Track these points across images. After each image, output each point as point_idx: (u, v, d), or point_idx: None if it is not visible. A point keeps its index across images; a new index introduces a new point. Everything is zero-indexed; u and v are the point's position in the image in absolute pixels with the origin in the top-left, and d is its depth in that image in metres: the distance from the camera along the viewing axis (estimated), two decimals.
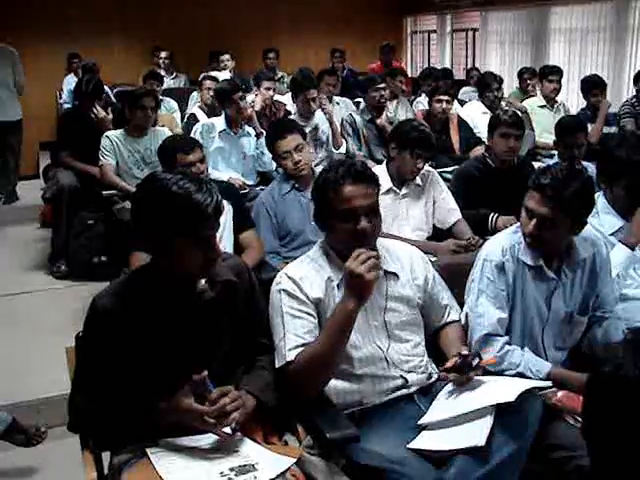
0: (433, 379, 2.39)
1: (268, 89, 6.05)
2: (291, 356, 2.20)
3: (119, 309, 2.05)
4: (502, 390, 2.12)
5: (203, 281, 2.11)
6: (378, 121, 5.50)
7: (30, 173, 8.80)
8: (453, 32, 11.01)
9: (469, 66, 9.91)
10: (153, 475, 1.92)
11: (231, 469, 1.92)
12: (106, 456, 2.17)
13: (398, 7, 11.50)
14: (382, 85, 5.60)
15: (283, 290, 2.30)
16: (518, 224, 2.55)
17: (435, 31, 11.31)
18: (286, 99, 6.48)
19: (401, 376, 2.32)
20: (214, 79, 6.64)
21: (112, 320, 2.04)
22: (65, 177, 5.35)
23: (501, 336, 2.45)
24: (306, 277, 2.32)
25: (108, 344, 2.03)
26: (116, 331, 2.03)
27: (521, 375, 2.35)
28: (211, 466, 1.95)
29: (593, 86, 6.18)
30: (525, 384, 2.13)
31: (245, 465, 1.94)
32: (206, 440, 2.06)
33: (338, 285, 2.30)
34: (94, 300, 2.09)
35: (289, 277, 2.33)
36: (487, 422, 2.03)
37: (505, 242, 2.52)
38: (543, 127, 6.11)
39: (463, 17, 10.80)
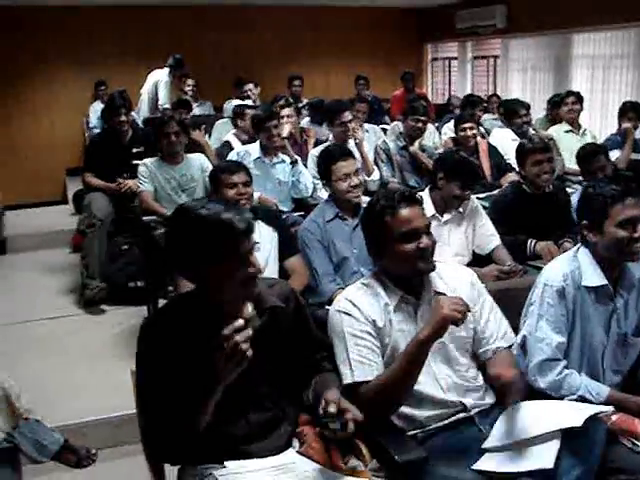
0: (491, 401, 2.42)
1: (289, 116, 6.13)
2: (358, 377, 2.26)
3: (168, 331, 2.09)
4: (567, 414, 2.14)
5: (250, 308, 2.14)
6: (411, 148, 5.56)
7: (58, 199, 8.95)
8: (474, 59, 11.10)
9: (490, 92, 9.98)
10: None
11: None
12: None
13: (419, 34, 11.63)
14: (423, 117, 5.65)
15: (344, 312, 2.36)
16: (575, 249, 2.62)
17: (456, 58, 11.41)
18: (306, 125, 6.58)
19: (460, 402, 2.36)
20: (254, 108, 6.69)
21: (162, 341, 2.07)
22: (99, 208, 5.38)
23: (560, 360, 2.49)
24: (364, 301, 2.38)
25: (161, 364, 2.06)
26: (166, 351, 2.06)
27: (582, 399, 2.39)
28: None
29: (632, 109, 6.21)
30: (590, 409, 2.16)
31: None
32: (272, 463, 2.09)
33: (394, 310, 2.37)
34: (143, 326, 2.15)
35: (348, 300, 2.39)
36: (555, 445, 2.06)
37: (565, 267, 2.57)
38: (571, 152, 6.12)
39: (484, 44, 10.90)
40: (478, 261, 3.91)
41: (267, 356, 2.15)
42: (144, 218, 4.95)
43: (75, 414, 3.70)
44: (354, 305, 2.37)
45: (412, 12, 11.45)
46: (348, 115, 5.36)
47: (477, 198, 4.64)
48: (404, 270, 2.38)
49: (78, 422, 3.65)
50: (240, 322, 1.90)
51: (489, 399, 2.43)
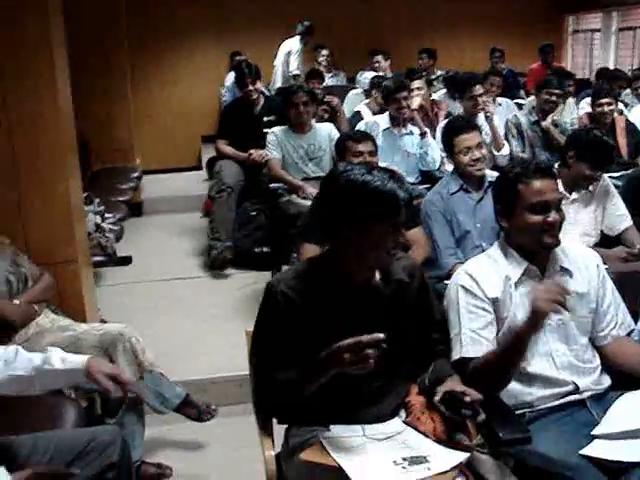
0: (605, 385, 2.35)
1: (419, 89, 6.06)
2: (468, 352, 2.27)
3: (294, 294, 2.13)
4: None
5: (378, 278, 2.17)
6: (543, 123, 5.38)
7: (193, 165, 9.27)
8: (619, 31, 10.54)
9: (635, 66, 9.46)
10: (327, 457, 2.00)
11: (404, 459, 1.97)
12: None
13: (559, 5, 11.13)
14: (557, 90, 5.46)
15: (461, 286, 2.36)
16: None
17: (599, 30, 10.88)
18: (439, 98, 6.48)
19: (573, 382, 2.30)
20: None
21: (287, 302, 2.12)
22: (229, 175, 5.54)
23: None
24: (484, 275, 2.37)
25: (282, 325, 2.12)
26: (290, 314, 2.11)
27: None
28: (383, 454, 2.00)
29: None
30: None
31: (417, 457, 1.98)
32: (376, 429, 2.13)
33: (515, 284, 2.35)
34: (271, 284, 2.18)
35: (467, 274, 2.39)
36: None
37: None
38: None
39: (630, 14, 10.29)
40: (606, 243, 3.77)
41: (388, 327, 2.17)
42: (271, 185, 5.07)
43: (197, 371, 3.87)
44: (473, 279, 2.36)
45: None
46: (479, 88, 5.25)
47: (611, 177, 4.47)
48: (528, 242, 2.37)
49: (199, 378, 3.80)
50: (381, 336, 1.92)
51: (605, 384, 2.36)
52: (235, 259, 5.54)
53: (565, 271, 2.40)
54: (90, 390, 3.09)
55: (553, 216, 2.32)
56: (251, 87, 5.59)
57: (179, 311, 4.76)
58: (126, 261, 5.67)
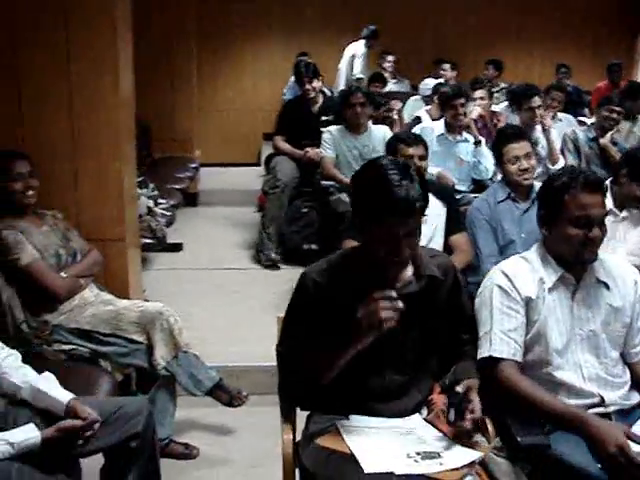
0: (634, 402, 2.32)
1: (482, 99, 6.04)
2: (495, 352, 2.27)
3: (326, 283, 2.16)
4: None
5: (410, 272, 2.18)
6: (601, 140, 5.30)
7: (252, 161, 9.39)
8: None
9: None
10: (342, 444, 2.03)
11: (417, 453, 1.99)
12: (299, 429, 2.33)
13: (632, 24, 10.92)
14: (617, 108, 5.38)
15: (496, 285, 2.36)
16: None
17: None
18: (500, 110, 6.45)
19: (599, 394, 2.28)
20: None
21: (318, 291, 2.15)
22: (284, 171, 5.59)
23: None
24: (520, 275, 2.36)
25: (312, 312, 2.16)
26: (320, 302, 2.14)
27: None
28: (397, 446, 2.03)
29: None
30: None
31: (431, 452, 2.00)
32: (395, 423, 2.15)
33: (550, 289, 2.34)
34: (305, 272, 2.22)
35: (504, 273, 2.38)
36: None
37: None
38: None
39: None
40: None
41: (417, 323, 2.19)
42: (322, 183, 5.11)
43: (232, 358, 3.93)
44: (508, 279, 2.36)
45: (624, 1, 10.78)
46: (537, 100, 5.21)
47: None
48: (566, 252, 2.35)
49: (234, 365, 3.87)
50: (392, 292, 1.95)
51: (633, 400, 2.34)
52: (283, 255, 5.61)
53: (601, 283, 2.38)
54: (126, 365, 3.21)
55: (595, 232, 2.29)
56: (308, 86, 5.65)
57: (222, 299, 4.85)
58: (177, 248, 5.81)
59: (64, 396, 2.35)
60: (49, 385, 2.40)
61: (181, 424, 3.48)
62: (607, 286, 2.37)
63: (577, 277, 2.36)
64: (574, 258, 2.33)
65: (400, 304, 1.95)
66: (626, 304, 2.37)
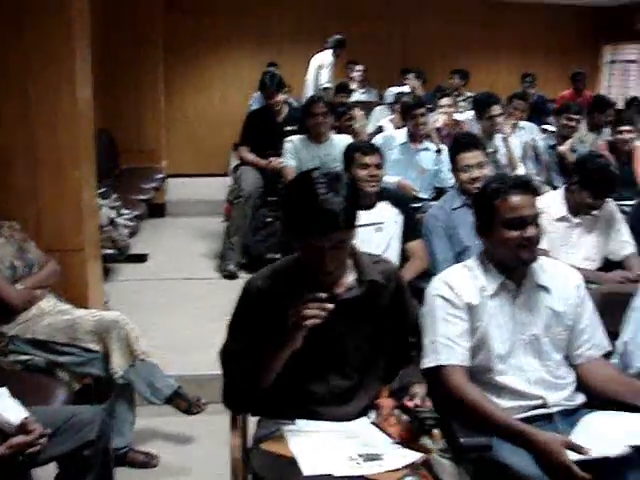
0: (577, 402, 2.37)
1: (450, 106, 6.13)
2: (442, 360, 2.30)
3: (268, 290, 2.19)
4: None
5: (352, 278, 2.22)
6: (560, 148, 5.41)
7: (221, 172, 9.39)
8: None
9: None
10: (285, 448, 2.07)
11: (360, 455, 2.01)
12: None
13: (595, 35, 11.12)
14: (576, 116, 5.48)
15: (438, 295, 2.39)
16: None
17: (635, 61, 10.83)
18: (462, 118, 6.55)
19: (542, 396, 2.33)
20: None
21: (261, 298, 2.18)
22: (247, 181, 5.62)
23: None
24: (461, 283, 2.40)
25: (254, 318, 2.19)
26: (263, 308, 2.17)
27: None
28: (341, 449, 2.05)
29: None
30: None
31: (373, 454, 2.03)
32: (341, 427, 2.18)
33: (491, 295, 2.37)
34: (249, 280, 2.25)
35: (445, 282, 2.41)
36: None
37: None
38: None
39: None
40: (609, 268, 3.77)
41: (360, 327, 2.23)
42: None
43: (196, 367, 3.93)
44: (450, 287, 2.39)
45: (589, 11, 10.97)
46: (497, 109, 5.29)
47: (625, 205, 4.48)
48: (506, 256, 2.38)
49: (198, 374, 3.87)
50: (322, 294, 2.00)
51: (577, 400, 2.38)
52: (248, 264, 5.63)
53: (541, 288, 2.42)
54: (83, 374, 3.22)
55: (530, 231, 2.33)
56: (271, 100, 5.71)
57: (186, 309, 4.87)
58: (141, 258, 5.81)
59: (16, 417, 2.32)
60: (2, 405, 2.38)
61: (141, 433, 3.49)
62: (547, 290, 2.41)
63: (518, 283, 2.40)
64: (514, 261, 2.36)
65: (330, 305, 1.99)
66: (567, 308, 2.42)
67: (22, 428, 2.28)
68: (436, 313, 2.37)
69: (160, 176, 7.25)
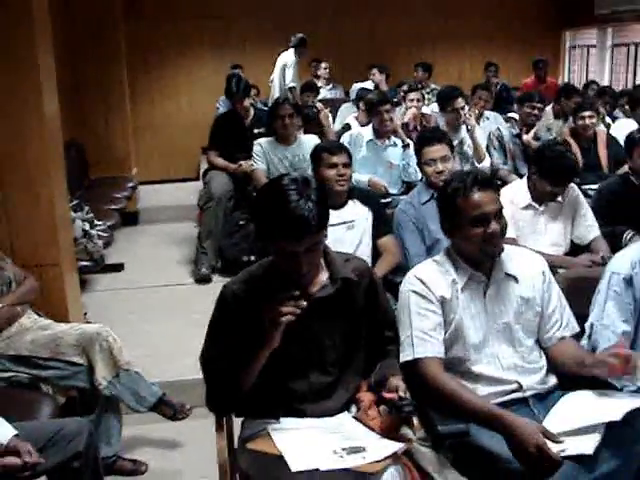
0: (549, 385, 2.46)
1: (418, 100, 6.21)
2: (419, 353, 2.37)
3: (245, 293, 2.25)
4: (609, 408, 2.14)
5: (325, 277, 2.29)
6: (524, 137, 5.50)
7: (192, 176, 9.43)
8: (614, 47, 10.66)
9: (629, 82, 9.58)
10: (271, 446, 2.13)
11: (343, 448, 2.08)
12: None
13: (556, 20, 11.26)
14: (538, 104, 5.58)
15: (412, 291, 2.46)
16: None
17: (594, 46, 11.01)
18: (429, 111, 6.63)
19: (516, 381, 2.41)
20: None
21: (237, 302, 2.25)
22: (217, 185, 5.67)
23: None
24: (433, 277, 2.47)
25: (232, 322, 2.24)
26: (240, 312, 2.23)
27: None
28: (325, 444, 2.11)
29: None
30: (633, 403, 2.12)
31: (356, 447, 2.09)
32: (323, 422, 2.25)
33: (462, 288, 2.45)
34: (225, 285, 2.31)
35: (417, 278, 2.48)
36: (597, 436, 2.07)
37: (634, 255, 2.54)
38: None
39: (625, 31, 10.40)
40: (576, 252, 3.87)
41: (336, 324, 2.30)
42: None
43: (178, 373, 3.98)
44: (422, 282, 2.45)
45: None
46: (460, 102, 5.35)
47: (590, 189, 4.59)
48: (472, 251, 2.45)
49: (180, 380, 3.91)
50: (296, 292, 2.08)
51: (550, 383, 2.47)
52: (222, 267, 5.69)
53: (510, 277, 2.50)
54: (68, 387, 3.25)
55: (493, 227, 2.39)
56: (238, 105, 5.77)
57: (165, 316, 4.90)
58: (118, 268, 5.83)
59: (4, 435, 2.35)
60: None
61: (129, 441, 3.53)
62: (516, 279, 2.49)
63: (487, 274, 2.48)
64: (481, 256, 2.44)
65: (303, 303, 2.07)
66: (536, 294, 2.50)
67: (12, 448, 2.31)
68: (410, 308, 2.44)
69: (131, 184, 7.26)
